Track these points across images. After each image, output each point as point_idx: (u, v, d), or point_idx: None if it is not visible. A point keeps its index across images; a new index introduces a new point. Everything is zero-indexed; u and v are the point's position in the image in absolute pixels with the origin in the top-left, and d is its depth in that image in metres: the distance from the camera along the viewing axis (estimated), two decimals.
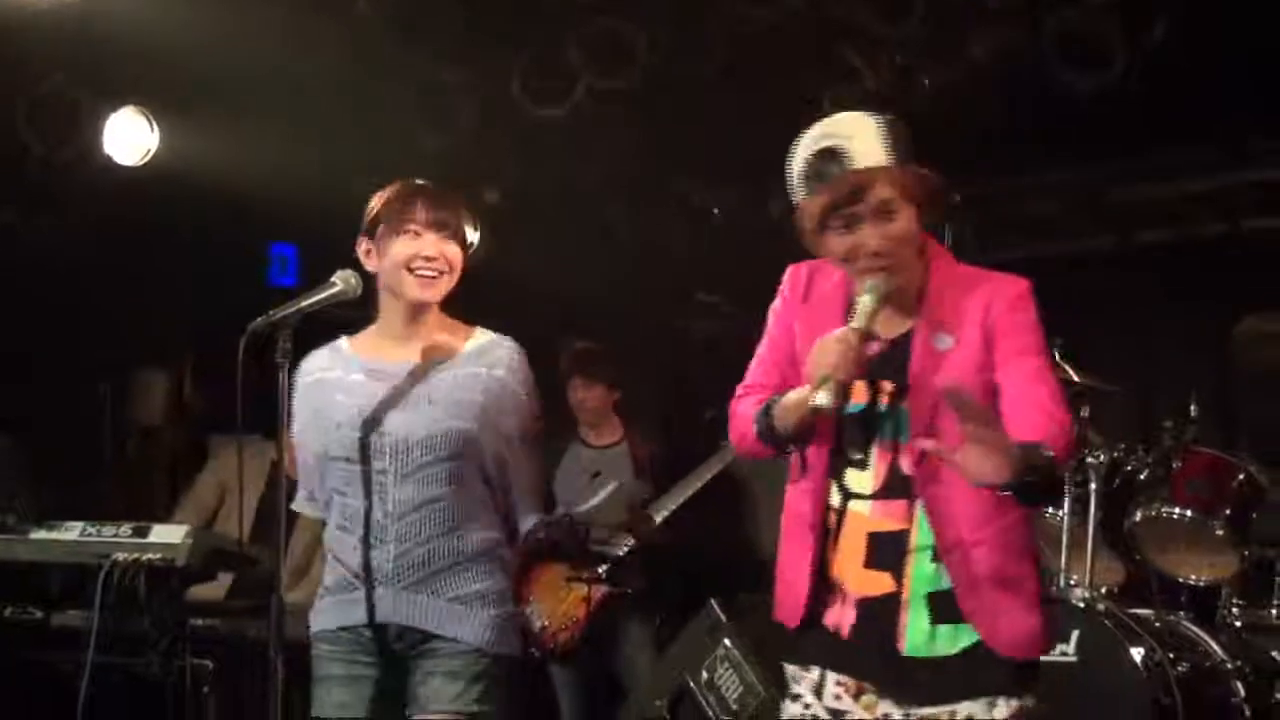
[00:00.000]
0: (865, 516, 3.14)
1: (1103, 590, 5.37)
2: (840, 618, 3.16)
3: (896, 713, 3.11)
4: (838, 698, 3.17)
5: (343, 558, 3.62)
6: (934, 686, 3.08)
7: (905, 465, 3.11)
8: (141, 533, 4.60)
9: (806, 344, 3.12)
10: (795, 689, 3.23)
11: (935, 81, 6.04)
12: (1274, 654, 5.30)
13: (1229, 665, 5.15)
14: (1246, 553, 5.33)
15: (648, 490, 6.28)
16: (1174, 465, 5.41)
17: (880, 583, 3.12)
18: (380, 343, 3.71)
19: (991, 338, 3.08)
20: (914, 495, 3.10)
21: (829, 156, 3.08)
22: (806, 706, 3.19)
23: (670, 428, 6.89)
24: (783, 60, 6.40)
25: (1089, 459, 5.21)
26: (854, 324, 3.04)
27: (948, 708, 3.06)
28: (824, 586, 3.17)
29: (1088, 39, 5.66)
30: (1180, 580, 5.56)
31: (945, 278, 3.16)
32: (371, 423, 3.58)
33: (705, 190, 7.53)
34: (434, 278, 3.60)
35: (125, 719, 4.64)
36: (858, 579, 3.14)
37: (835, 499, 3.18)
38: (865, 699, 3.14)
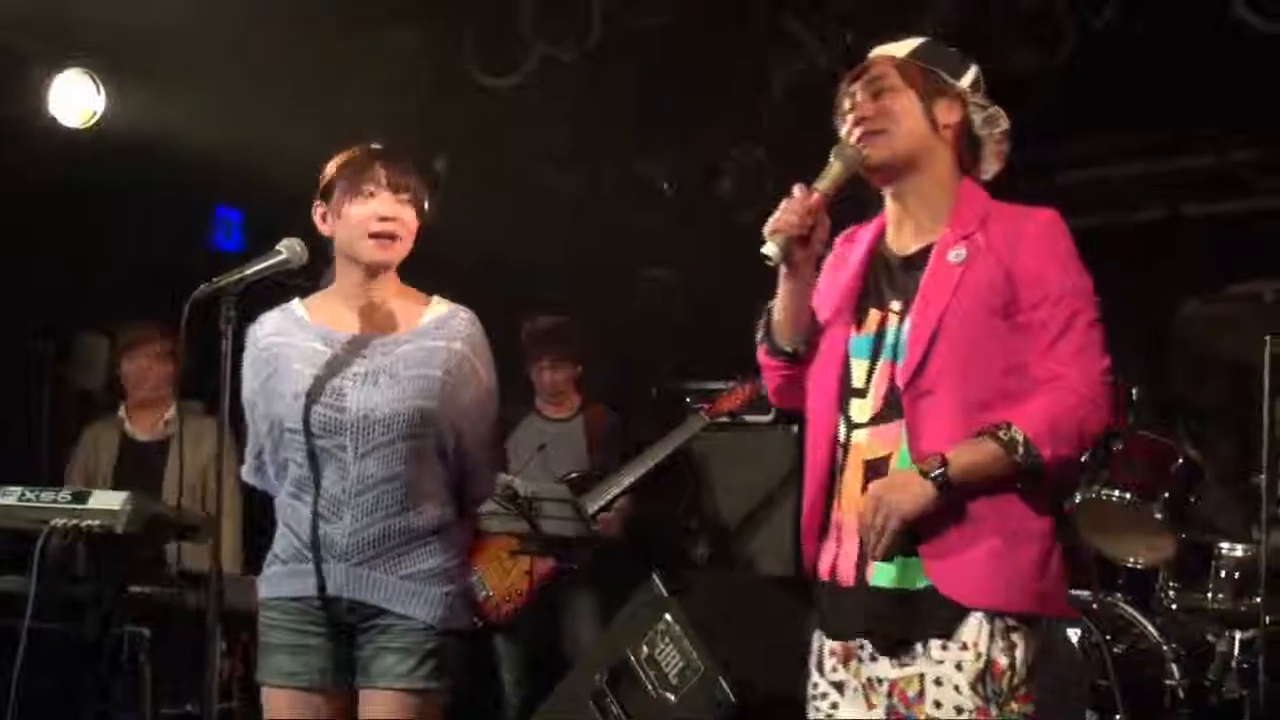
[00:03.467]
0: (863, 445, 3.10)
1: None
2: (846, 558, 3.09)
3: (877, 673, 3.05)
4: (834, 669, 3.13)
5: (295, 528, 3.58)
6: (901, 623, 3.00)
7: (900, 383, 3.05)
8: (81, 499, 4.57)
9: (822, 286, 3.22)
10: (810, 663, 3.20)
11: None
12: (1209, 637, 5.35)
13: (1164, 647, 5.20)
14: (1183, 536, 5.37)
15: (597, 466, 6.28)
16: (1114, 448, 5.43)
17: None
18: (336, 309, 3.66)
19: (1014, 274, 3.04)
20: (903, 416, 3.04)
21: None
22: (815, 685, 3.18)
23: (618, 402, 6.89)
24: (734, 35, 6.39)
25: None
26: (816, 184, 3.11)
27: (915, 670, 2.98)
28: (831, 528, 3.14)
29: (1036, 19, 5.68)
30: (1118, 562, 5.61)
31: (973, 203, 3.17)
32: (329, 395, 3.53)
33: (655, 164, 7.51)
34: (391, 240, 3.56)
35: (62, 685, 4.62)
36: (858, 511, 3.06)
37: (842, 433, 3.14)
38: (853, 664, 3.09)
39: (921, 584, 3.00)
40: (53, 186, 6.54)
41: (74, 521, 4.51)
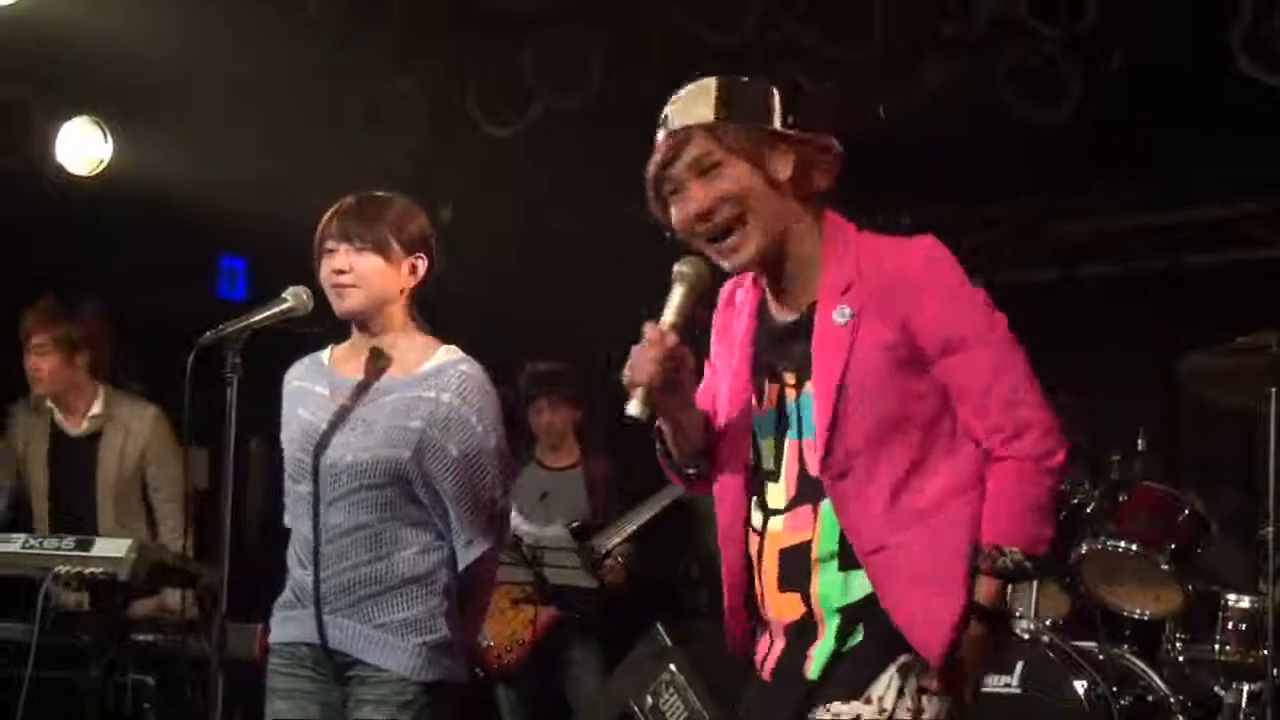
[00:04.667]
0: (780, 533, 2.84)
1: (1047, 622, 5.40)
2: (770, 652, 2.90)
3: None
4: None
5: (290, 573, 3.61)
6: (813, 698, 2.78)
7: (811, 465, 2.79)
8: (84, 546, 4.57)
9: (717, 361, 3.01)
10: None
11: (887, 109, 6.05)
12: (1216, 689, 5.33)
13: (1171, 699, 5.19)
14: (1190, 588, 5.35)
15: (599, 515, 6.26)
16: (1121, 499, 5.43)
17: (793, 605, 2.83)
18: (348, 357, 3.67)
19: (910, 322, 2.74)
20: (819, 498, 2.77)
21: (660, 126, 2.86)
22: None
23: (619, 449, 6.87)
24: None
25: None
26: (663, 319, 2.80)
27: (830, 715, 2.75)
28: (750, 621, 2.93)
29: (1040, 72, 5.70)
30: (1124, 613, 5.59)
31: (841, 247, 2.83)
32: (317, 442, 3.54)
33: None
34: (344, 290, 3.54)
35: None
36: (776, 605, 2.85)
37: (756, 519, 2.88)
38: None
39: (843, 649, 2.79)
40: (59, 234, 6.56)
41: (77, 568, 4.50)
